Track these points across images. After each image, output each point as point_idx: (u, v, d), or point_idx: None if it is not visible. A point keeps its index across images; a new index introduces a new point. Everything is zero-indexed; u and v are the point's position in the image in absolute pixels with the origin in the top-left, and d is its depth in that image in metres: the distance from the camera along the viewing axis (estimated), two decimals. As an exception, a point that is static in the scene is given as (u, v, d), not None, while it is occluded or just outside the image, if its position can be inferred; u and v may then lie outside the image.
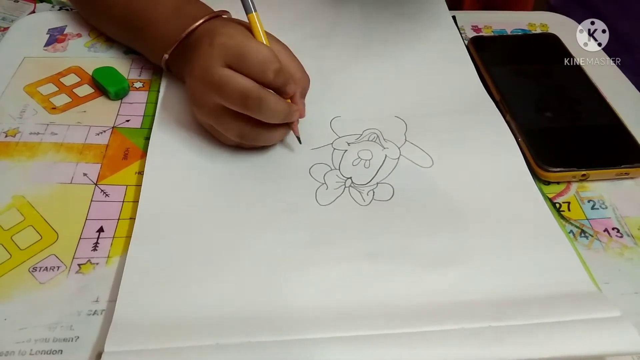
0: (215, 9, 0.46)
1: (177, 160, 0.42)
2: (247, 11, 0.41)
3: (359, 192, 0.41)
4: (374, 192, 0.41)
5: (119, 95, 0.48)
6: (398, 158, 0.44)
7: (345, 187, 0.41)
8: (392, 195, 0.41)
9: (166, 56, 0.46)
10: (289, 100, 0.41)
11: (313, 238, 0.38)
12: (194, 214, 0.39)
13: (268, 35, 0.42)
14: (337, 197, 0.40)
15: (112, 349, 0.30)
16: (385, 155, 0.44)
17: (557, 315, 0.32)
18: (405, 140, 0.45)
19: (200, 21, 0.43)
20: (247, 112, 0.39)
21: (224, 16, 0.45)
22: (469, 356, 0.30)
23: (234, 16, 0.46)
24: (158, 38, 0.46)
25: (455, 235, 0.38)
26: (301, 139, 0.44)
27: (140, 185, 0.40)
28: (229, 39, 0.39)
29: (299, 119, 0.43)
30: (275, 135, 0.42)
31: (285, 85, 0.40)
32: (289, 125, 0.42)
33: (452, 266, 0.36)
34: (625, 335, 0.31)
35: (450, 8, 0.60)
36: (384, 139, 0.45)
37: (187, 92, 0.43)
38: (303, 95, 0.43)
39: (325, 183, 0.41)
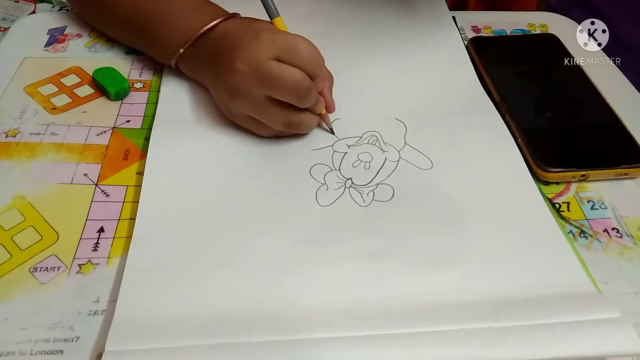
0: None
1: (177, 161, 0.42)
2: (272, 16, 0.43)
3: (359, 192, 0.41)
4: (374, 193, 0.41)
5: (120, 95, 0.48)
6: (398, 161, 0.44)
7: (345, 187, 0.41)
8: (392, 196, 0.41)
9: (181, 50, 0.46)
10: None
11: (313, 238, 0.38)
12: (194, 214, 0.39)
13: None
14: (338, 198, 0.41)
15: (113, 348, 0.30)
16: (385, 158, 0.44)
17: (557, 316, 0.32)
18: (405, 143, 0.45)
19: (221, 19, 0.44)
20: (296, 101, 0.41)
21: (236, 16, 0.46)
22: (468, 357, 0.30)
23: None
24: (172, 35, 0.46)
25: (455, 236, 0.38)
26: (303, 139, 0.44)
27: (141, 186, 0.40)
28: (276, 35, 0.41)
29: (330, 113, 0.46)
30: (314, 122, 0.44)
31: (318, 79, 0.42)
32: (321, 117, 0.45)
33: (452, 267, 0.36)
34: (625, 336, 0.31)
35: (455, 9, 0.60)
36: (384, 142, 0.45)
37: (222, 88, 0.43)
38: (330, 91, 0.45)
39: (325, 183, 0.41)
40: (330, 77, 0.46)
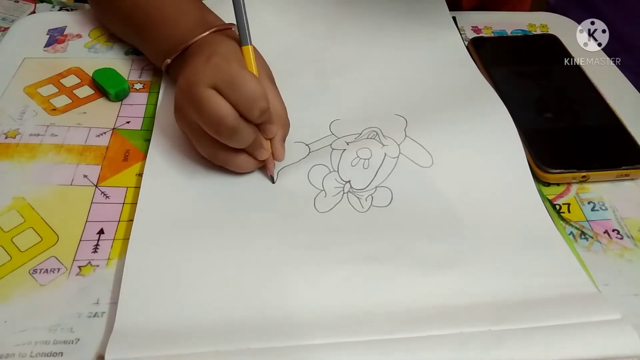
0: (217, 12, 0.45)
1: (176, 163, 0.42)
2: (243, 43, 0.41)
3: (358, 197, 0.41)
4: (372, 197, 0.41)
5: (119, 96, 0.48)
6: (397, 157, 0.43)
7: (344, 192, 0.41)
8: (391, 201, 0.41)
9: (168, 61, 0.45)
10: (269, 142, 0.41)
11: (312, 245, 0.37)
12: (192, 218, 0.39)
13: (262, 69, 0.42)
14: (336, 205, 0.40)
15: (112, 357, 0.30)
16: (385, 154, 0.43)
17: (557, 318, 0.32)
18: (405, 135, 0.44)
19: (207, 32, 0.43)
20: (217, 137, 0.38)
21: (232, 29, 0.44)
22: None
23: None
24: (161, 41, 0.46)
25: (454, 239, 0.38)
26: (297, 142, 0.44)
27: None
28: (225, 63, 0.38)
29: (277, 162, 0.42)
30: (248, 165, 0.41)
31: (267, 125, 0.40)
32: (264, 162, 0.41)
33: (451, 270, 0.36)
34: (626, 338, 0.31)
35: (449, 7, 0.60)
36: (384, 136, 0.44)
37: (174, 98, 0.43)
38: (283, 139, 0.42)
39: (324, 189, 0.41)
40: (285, 126, 0.42)
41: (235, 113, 0.37)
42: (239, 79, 0.37)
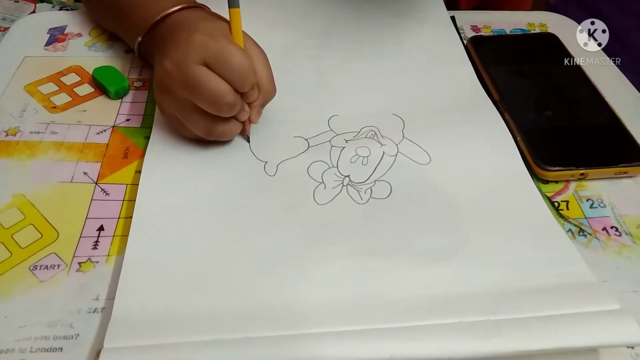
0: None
1: (175, 159, 0.42)
2: (232, 5, 0.40)
3: (357, 190, 0.41)
4: (371, 190, 0.41)
5: (119, 94, 0.48)
6: (395, 155, 0.43)
7: (343, 185, 0.41)
8: (390, 193, 0.41)
9: (139, 39, 0.45)
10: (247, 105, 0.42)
11: (311, 236, 0.38)
12: (191, 211, 0.39)
13: (247, 36, 0.42)
14: (335, 196, 0.40)
15: (111, 345, 0.30)
16: (383, 152, 0.43)
17: (556, 307, 0.32)
18: (403, 137, 0.45)
19: (178, 7, 0.43)
20: (216, 113, 0.39)
21: (204, 8, 0.45)
22: (467, 349, 0.30)
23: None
24: (136, 23, 0.46)
25: (453, 231, 0.38)
26: (296, 136, 0.44)
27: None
28: (210, 39, 0.38)
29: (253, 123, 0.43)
30: (237, 130, 0.43)
31: (249, 91, 0.40)
32: (242, 124, 0.43)
33: (450, 260, 0.36)
34: (624, 326, 0.31)
35: (447, 7, 0.60)
36: (382, 136, 0.45)
37: (155, 80, 0.42)
38: (262, 105, 0.43)
39: (323, 182, 0.41)
40: (268, 90, 0.42)
41: (231, 88, 0.38)
42: (228, 55, 0.38)
